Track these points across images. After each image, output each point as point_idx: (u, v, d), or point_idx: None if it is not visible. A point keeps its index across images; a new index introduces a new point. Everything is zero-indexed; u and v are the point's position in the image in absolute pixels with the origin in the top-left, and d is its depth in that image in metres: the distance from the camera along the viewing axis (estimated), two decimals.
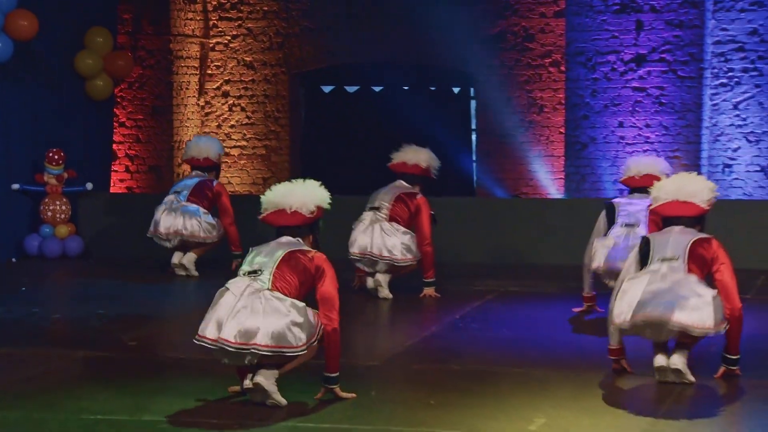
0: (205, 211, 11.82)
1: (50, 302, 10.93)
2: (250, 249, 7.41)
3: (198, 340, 7.27)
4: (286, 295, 7.18)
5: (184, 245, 11.86)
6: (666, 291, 7.72)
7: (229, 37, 16.10)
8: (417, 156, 11.04)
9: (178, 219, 11.81)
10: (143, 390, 7.70)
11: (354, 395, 7.29)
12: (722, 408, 7.28)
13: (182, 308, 10.71)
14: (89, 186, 13.65)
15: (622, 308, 7.80)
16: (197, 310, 10.49)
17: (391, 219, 10.71)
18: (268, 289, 7.17)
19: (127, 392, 7.64)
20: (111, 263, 12.84)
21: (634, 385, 7.75)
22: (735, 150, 14.21)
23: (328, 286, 7.33)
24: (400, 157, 11.06)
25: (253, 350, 7.04)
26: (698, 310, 7.70)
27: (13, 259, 13.14)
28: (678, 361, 7.77)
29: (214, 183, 12.11)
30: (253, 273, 7.25)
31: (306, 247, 7.38)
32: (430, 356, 8.73)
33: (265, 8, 15.93)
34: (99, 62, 13.94)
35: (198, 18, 15.27)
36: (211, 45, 16.14)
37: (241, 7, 15.06)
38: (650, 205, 8.44)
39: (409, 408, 7.32)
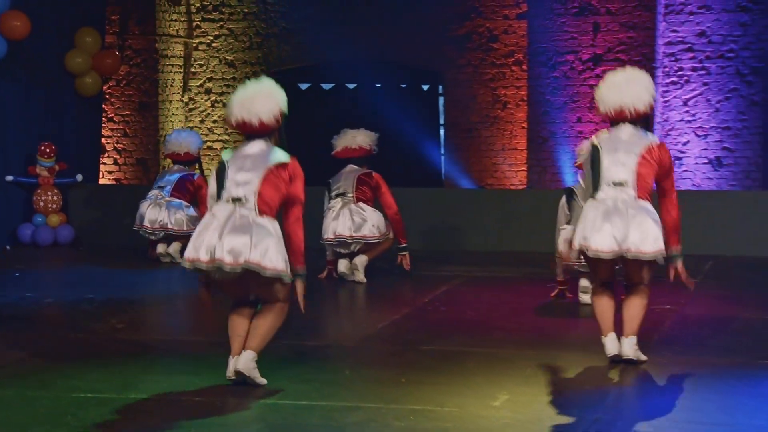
0: (188, 204, 11.87)
1: (42, 287, 10.93)
2: (226, 164, 7.31)
3: (192, 263, 7.18)
4: (268, 216, 7.20)
5: (167, 237, 11.89)
6: (618, 218, 7.79)
7: (211, 38, 16.11)
8: (357, 139, 11.11)
9: (162, 213, 11.85)
10: (130, 369, 7.72)
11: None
12: (673, 383, 7.30)
13: (167, 293, 10.72)
14: (79, 178, 13.65)
15: (577, 235, 7.86)
16: (181, 295, 10.57)
17: (358, 200, 10.76)
18: (255, 213, 7.18)
19: (115, 371, 7.66)
20: (100, 251, 12.85)
21: (591, 364, 7.76)
22: (684, 144, 14.29)
23: (298, 187, 7.31)
24: (341, 143, 11.14)
25: (252, 267, 7.06)
26: (650, 236, 7.80)
27: (8, 247, 13.13)
28: (629, 351, 7.82)
29: (195, 177, 12.15)
30: (238, 200, 7.23)
31: (278, 157, 7.33)
32: (401, 337, 8.74)
33: (246, 10, 15.95)
34: (88, 61, 13.94)
35: (182, 19, 15.26)
36: (194, 45, 16.13)
37: (223, 9, 15.07)
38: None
39: (382, 386, 7.33)
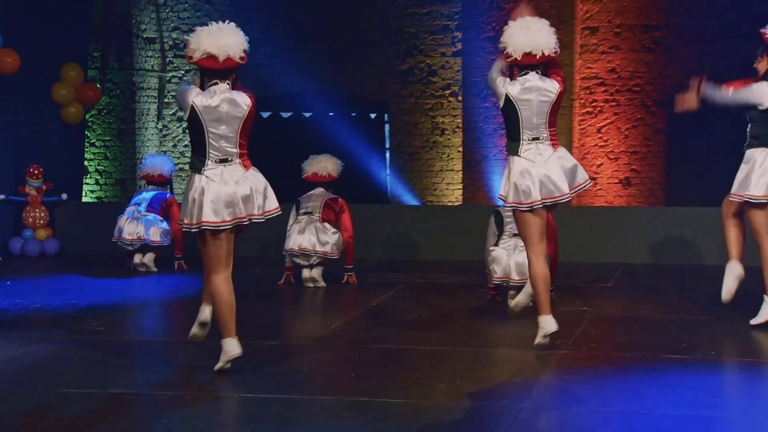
0: (161, 219, 11.85)
1: (31, 294, 10.85)
2: (199, 114, 7.14)
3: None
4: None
5: (143, 248, 11.87)
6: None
7: (183, 72, 16.08)
8: (327, 168, 11.05)
9: (139, 227, 11.84)
10: (110, 367, 7.73)
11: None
12: (589, 376, 7.34)
13: (142, 299, 10.69)
14: (64, 196, 13.61)
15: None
16: (156, 301, 10.54)
17: (324, 220, 10.78)
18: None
19: (96, 369, 7.66)
20: (83, 261, 12.78)
21: (519, 359, 7.84)
22: (599, 166, 14.39)
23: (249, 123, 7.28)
24: (311, 169, 11.08)
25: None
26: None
27: (0, 258, 13.06)
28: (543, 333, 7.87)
29: (167, 196, 12.13)
30: (225, 161, 7.17)
31: (243, 98, 7.24)
32: (353, 337, 8.77)
33: None
34: (72, 92, 13.89)
35: (156, 56, 15.23)
36: (167, 78, 16.08)
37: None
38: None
39: (334, 380, 7.39)
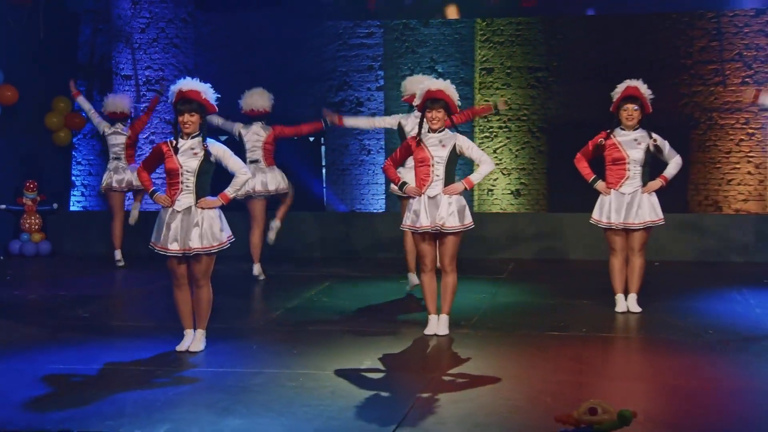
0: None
1: (27, 287, 10.79)
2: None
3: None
4: None
5: (134, 193, 11.97)
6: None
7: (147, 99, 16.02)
8: (261, 102, 10.73)
9: (126, 173, 11.79)
10: (93, 347, 7.70)
11: None
12: (487, 350, 7.42)
13: (123, 291, 10.64)
14: (55, 206, 13.52)
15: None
16: (133, 292, 10.50)
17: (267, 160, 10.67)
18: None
19: (81, 349, 7.64)
20: (71, 260, 12.70)
21: (431, 338, 7.88)
22: (495, 180, 14.51)
23: None
24: (249, 105, 10.73)
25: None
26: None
27: (1, 257, 12.94)
28: (444, 327, 7.91)
29: (127, 126, 12.12)
30: None
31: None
32: (294, 320, 8.76)
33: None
34: (61, 120, 13.83)
35: (132, 90, 15.14)
36: (142, 109, 15.99)
37: (162, 82, 14.93)
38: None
39: (279, 356, 7.41)
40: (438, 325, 7.89)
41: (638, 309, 8.70)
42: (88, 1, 14.35)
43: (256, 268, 10.74)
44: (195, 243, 7.17)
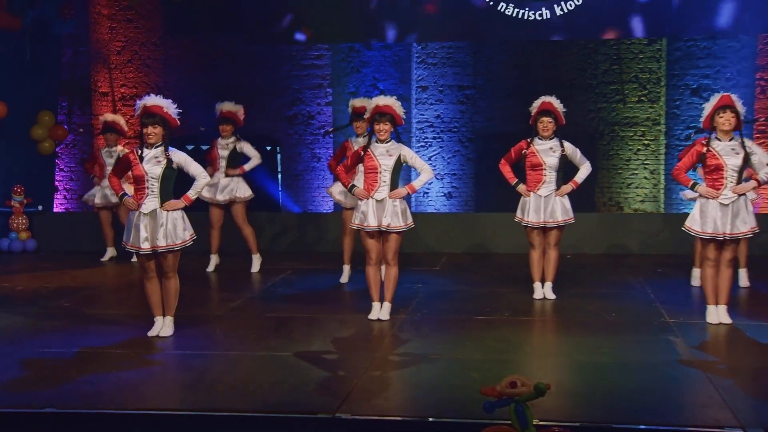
0: None
1: (14, 279, 10.62)
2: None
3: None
4: None
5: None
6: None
7: (128, 116, 15.82)
8: (230, 107, 10.51)
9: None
10: (73, 332, 7.61)
11: None
12: (424, 332, 7.45)
13: (100, 284, 10.51)
14: (40, 208, 13.34)
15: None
16: (111, 284, 10.38)
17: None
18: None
19: (63, 334, 7.56)
20: (54, 256, 12.54)
21: (380, 321, 7.87)
22: (430, 184, 14.55)
23: None
24: (220, 108, 10.49)
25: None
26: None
27: None
28: (386, 313, 7.91)
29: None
30: None
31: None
32: (255, 308, 8.72)
33: None
34: (46, 132, 13.64)
35: (109, 104, 14.98)
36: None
37: (136, 99, 14.77)
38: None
39: (242, 340, 7.37)
40: (381, 311, 7.90)
41: (553, 296, 8.76)
42: (70, 26, 14.17)
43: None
44: (161, 242, 7.15)
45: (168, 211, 7.19)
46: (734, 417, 5.27)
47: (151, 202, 7.20)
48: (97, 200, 11.72)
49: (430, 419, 5.28)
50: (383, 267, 8.00)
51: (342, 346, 7.05)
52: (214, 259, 10.78)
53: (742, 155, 7.40)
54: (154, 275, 7.33)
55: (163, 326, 7.37)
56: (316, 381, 6.08)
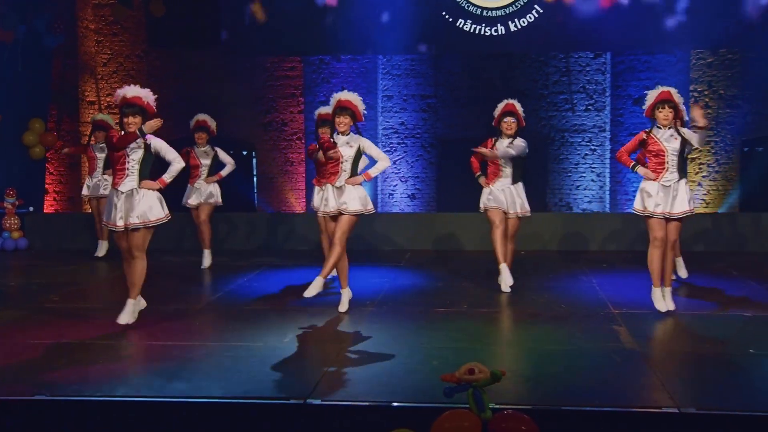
0: None
1: (7, 275, 10.50)
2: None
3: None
4: None
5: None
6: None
7: (112, 124, 15.68)
8: (203, 117, 10.46)
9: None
10: (61, 324, 7.54)
11: None
12: (388, 326, 7.43)
13: (87, 279, 10.42)
14: (31, 209, 13.29)
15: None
16: (96, 280, 10.30)
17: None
18: None
19: (51, 326, 7.47)
20: (44, 254, 12.42)
21: (343, 317, 7.86)
22: (395, 186, 14.59)
23: None
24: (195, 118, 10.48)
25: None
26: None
27: None
28: (345, 301, 7.93)
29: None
30: None
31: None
32: (230, 302, 8.66)
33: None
34: (37, 138, 13.56)
35: (96, 112, 14.86)
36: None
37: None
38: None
39: (218, 331, 7.34)
40: (342, 301, 7.91)
41: (510, 282, 8.75)
42: (59, 39, 14.08)
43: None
44: (133, 219, 7.12)
45: (145, 189, 7.20)
46: (670, 398, 5.33)
47: (129, 182, 7.20)
48: (87, 192, 11.62)
49: (395, 404, 5.28)
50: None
51: (313, 337, 7.04)
52: (208, 254, 10.63)
53: (680, 140, 7.46)
54: (129, 255, 7.30)
55: (123, 311, 7.31)
56: (288, 369, 6.07)
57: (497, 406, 5.00)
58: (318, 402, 5.33)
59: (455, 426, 4.78)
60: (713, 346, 6.59)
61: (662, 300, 7.66)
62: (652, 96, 7.53)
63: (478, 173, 8.87)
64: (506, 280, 8.69)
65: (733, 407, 5.18)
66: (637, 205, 7.64)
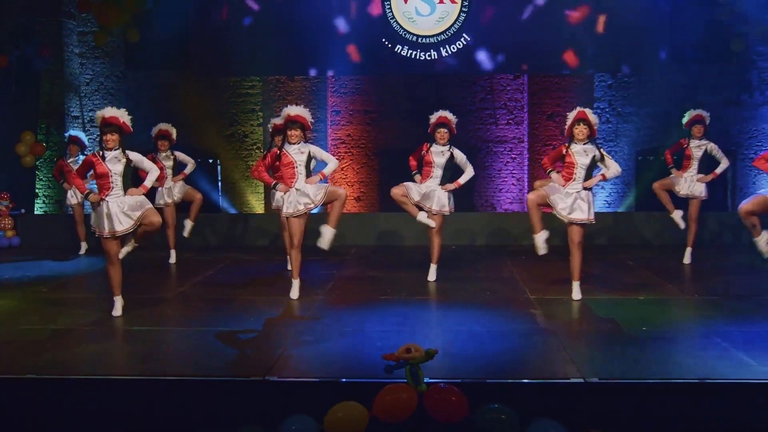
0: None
1: (1, 270, 10.23)
2: None
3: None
4: None
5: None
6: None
7: (85, 142, 15.39)
8: (165, 127, 10.18)
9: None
10: (50, 313, 7.40)
11: None
12: (350, 312, 7.40)
13: (74, 272, 10.21)
14: (23, 211, 13.00)
15: None
16: (82, 274, 10.09)
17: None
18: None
19: (42, 314, 7.35)
20: (35, 251, 12.14)
21: (296, 301, 7.81)
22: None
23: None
24: (157, 128, 10.20)
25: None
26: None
27: None
28: (296, 290, 7.88)
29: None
30: None
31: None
32: (202, 290, 8.57)
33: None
34: (28, 148, 13.28)
35: (79, 126, 14.56)
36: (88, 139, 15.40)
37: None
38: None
39: (190, 317, 7.24)
40: (293, 288, 7.89)
41: (434, 278, 8.78)
42: (48, 62, 13.89)
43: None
44: (133, 218, 7.08)
45: (131, 196, 7.12)
46: (577, 370, 5.41)
47: (116, 193, 7.11)
48: (72, 200, 11.44)
49: (342, 380, 5.28)
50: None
51: (271, 323, 6.99)
52: (174, 253, 10.53)
53: (591, 156, 7.55)
54: (117, 260, 7.18)
55: (114, 308, 7.22)
56: (249, 351, 6.03)
57: (431, 380, 5.02)
58: (275, 379, 5.32)
59: (395, 398, 4.79)
60: (613, 326, 6.71)
61: (542, 244, 7.57)
62: (570, 116, 7.66)
63: (415, 171, 8.78)
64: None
65: (630, 377, 5.29)
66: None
